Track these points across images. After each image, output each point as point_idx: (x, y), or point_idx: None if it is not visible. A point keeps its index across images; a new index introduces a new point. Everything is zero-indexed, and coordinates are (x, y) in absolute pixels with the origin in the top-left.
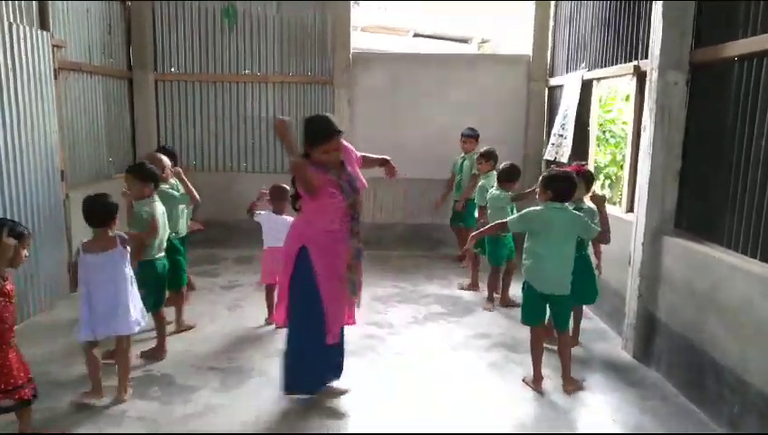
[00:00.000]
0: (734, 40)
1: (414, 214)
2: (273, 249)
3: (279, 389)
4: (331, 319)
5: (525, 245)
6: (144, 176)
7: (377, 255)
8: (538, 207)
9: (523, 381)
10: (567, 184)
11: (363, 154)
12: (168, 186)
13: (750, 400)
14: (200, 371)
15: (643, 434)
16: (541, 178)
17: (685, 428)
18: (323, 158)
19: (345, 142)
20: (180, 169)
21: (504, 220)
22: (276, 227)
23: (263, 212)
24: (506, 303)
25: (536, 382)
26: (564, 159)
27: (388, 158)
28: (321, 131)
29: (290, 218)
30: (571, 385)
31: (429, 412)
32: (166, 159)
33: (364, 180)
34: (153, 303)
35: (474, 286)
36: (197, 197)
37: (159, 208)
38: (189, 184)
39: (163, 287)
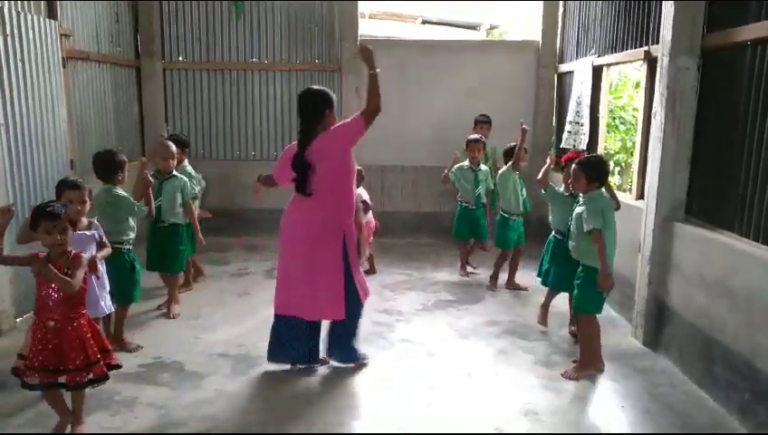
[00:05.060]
0: (747, 24)
1: (422, 202)
2: None
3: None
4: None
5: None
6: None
7: (385, 243)
8: (602, 200)
9: (566, 376)
10: (606, 166)
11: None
12: (177, 174)
13: (761, 386)
14: (210, 358)
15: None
16: (580, 168)
17: (695, 415)
18: (335, 122)
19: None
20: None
21: (600, 234)
22: None
23: None
24: (513, 286)
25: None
26: (583, 147)
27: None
28: (330, 96)
29: None
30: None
31: (437, 400)
32: (173, 148)
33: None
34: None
35: (462, 269)
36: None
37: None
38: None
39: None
